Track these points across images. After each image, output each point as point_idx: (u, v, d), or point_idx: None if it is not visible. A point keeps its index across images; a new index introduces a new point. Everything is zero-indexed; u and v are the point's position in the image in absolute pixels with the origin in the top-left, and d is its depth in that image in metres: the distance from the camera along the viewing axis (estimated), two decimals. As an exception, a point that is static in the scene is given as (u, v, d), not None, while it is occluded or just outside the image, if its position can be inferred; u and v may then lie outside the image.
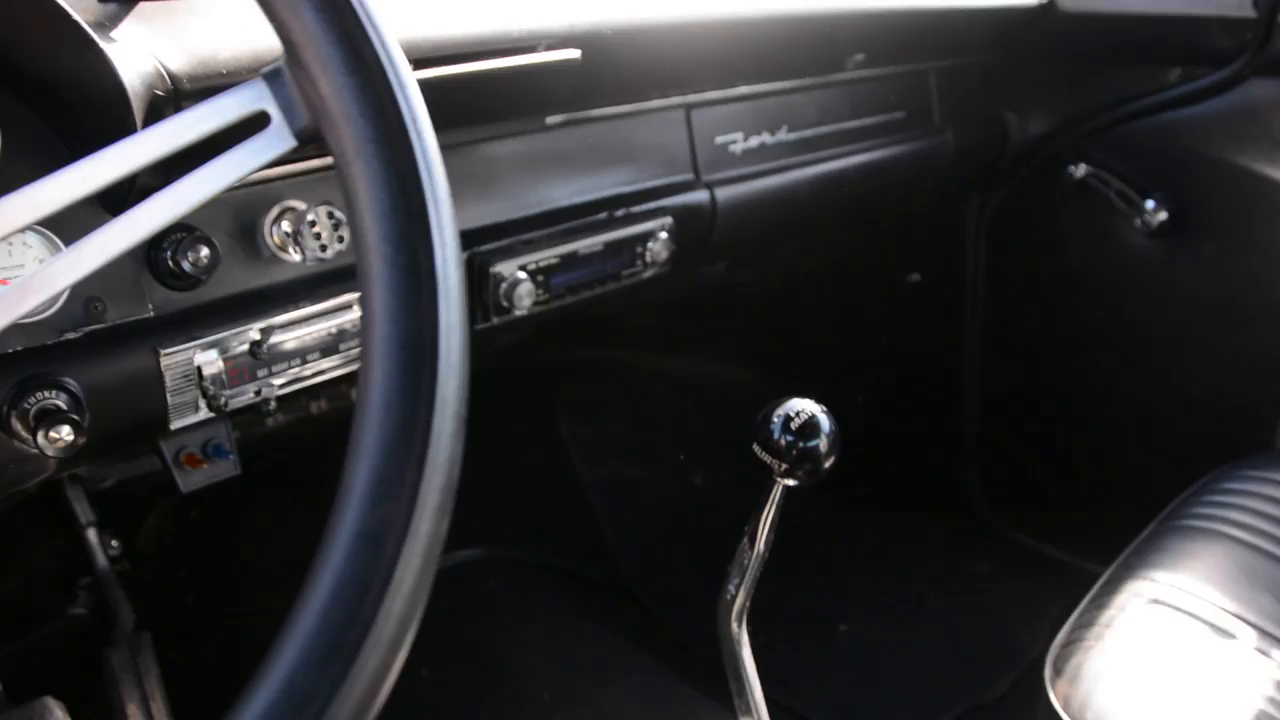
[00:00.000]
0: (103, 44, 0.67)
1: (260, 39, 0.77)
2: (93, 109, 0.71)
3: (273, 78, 0.45)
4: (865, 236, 1.90)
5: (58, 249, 0.74)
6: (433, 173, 0.43)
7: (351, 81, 0.42)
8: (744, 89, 1.28)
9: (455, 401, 0.41)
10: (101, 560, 1.37)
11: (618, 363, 1.88)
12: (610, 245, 1.11)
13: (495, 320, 1.03)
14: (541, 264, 1.04)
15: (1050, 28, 1.60)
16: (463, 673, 1.41)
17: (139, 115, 0.70)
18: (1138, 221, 1.64)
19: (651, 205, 1.16)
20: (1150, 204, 1.61)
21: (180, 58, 0.71)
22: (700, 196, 1.22)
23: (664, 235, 1.16)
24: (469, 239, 0.99)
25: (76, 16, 0.64)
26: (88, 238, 0.46)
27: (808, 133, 1.37)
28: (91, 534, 1.36)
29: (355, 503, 0.39)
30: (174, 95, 0.72)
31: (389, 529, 0.38)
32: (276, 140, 0.45)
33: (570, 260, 1.08)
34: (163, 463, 1.07)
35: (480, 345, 1.34)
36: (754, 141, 1.29)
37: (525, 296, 1.01)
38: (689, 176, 1.22)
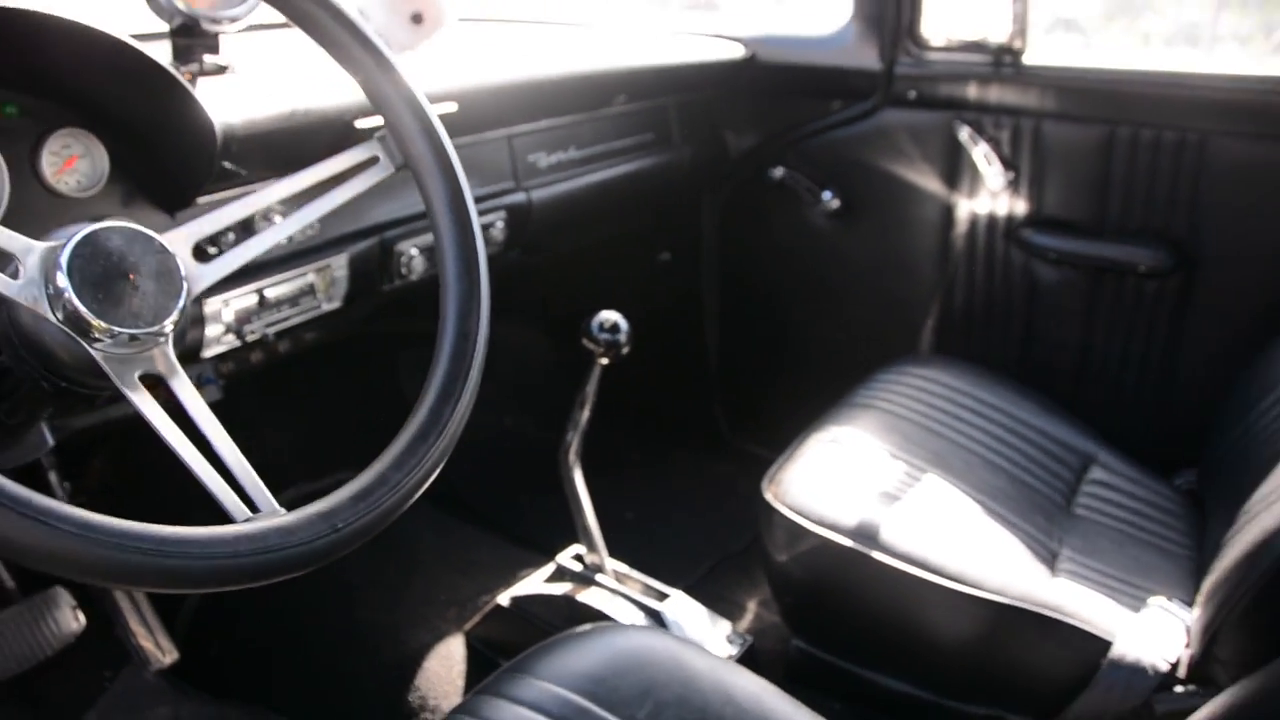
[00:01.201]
0: (201, 103, 1.07)
1: (267, 109, 1.16)
2: (185, 145, 1.07)
3: (382, 139, 0.91)
4: (630, 227, 2.28)
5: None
6: (463, 181, 0.91)
7: (426, 142, 0.89)
8: (545, 122, 1.69)
9: (486, 281, 0.89)
10: (60, 495, 1.68)
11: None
12: (467, 231, 1.58)
13: (397, 283, 1.46)
14: (425, 245, 1.49)
15: (753, 73, 2.07)
16: (363, 548, 1.81)
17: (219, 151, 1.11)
18: (819, 208, 2.11)
19: (491, 204, 1.59)
20: (827, 195, 2.08)
21: (235, 115, 1.12)
22: (520, 197, 1.63)
23: (500, 224, 1.61)
24: (382, 228, 1.42)
25: (186, 83, 1.03)
26: (277, 225, 0.90)
27: (588, 150, 1.79)
28: (52, 475, 1.66)
29: (452, 321, 0.86)
30: (231, 141, 1.13)
31: (471, 331, 0.86)
32: (382, 170, 0.90)
33: None
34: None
35: (343, 322, 1.73)
36: (554, 158, 1.71)
37: (419, 265, 1.46)
38: (512, 184, 1.63)
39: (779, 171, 2.15)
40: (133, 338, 0.76)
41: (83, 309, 0.74)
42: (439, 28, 1.20)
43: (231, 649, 1.68)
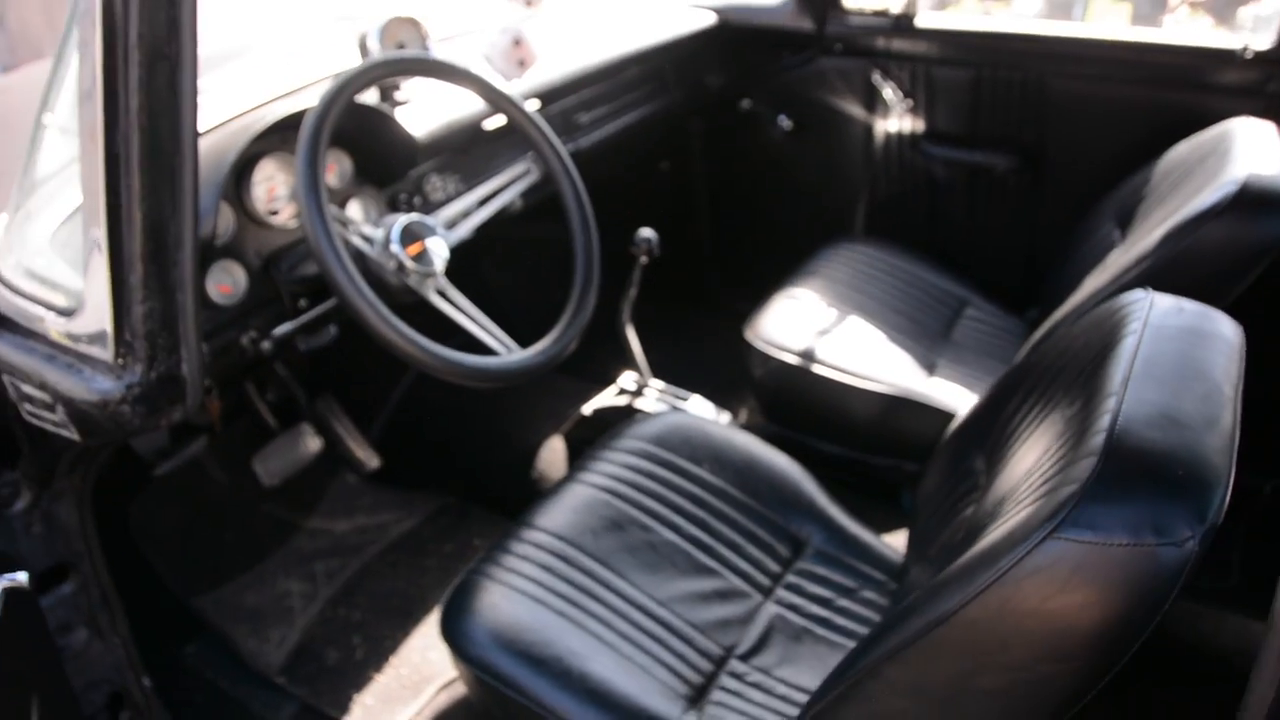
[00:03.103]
0: (406, 128, 1.78)
1: (435, 123, 1.88)
2: (395, 149, 1.72)
3: (534, 159, 1.65)
4: (642, 148, 2.88)
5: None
6: (578, 179, 1.65)
7: (559, 163, 1.63)
8: (585, 92, 2.32)
9: (595, 232, 1.64)
10: (283, 371, 2.35)
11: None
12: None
13: (505, 215, 2.19)
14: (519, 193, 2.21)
15: (724, 34, 2.70)
16: None
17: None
18: (777, 129, 2.79)
19: (555, 153, 2.32)
20: (782, 119, 2.75)
21: (420, 129, 1.83)
22: (573, 146, 2.34)
23: None
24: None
25: (390, 113, 1.74)
26: (482, 210, 1.65)
27: (613, 105, 2.41)
28: (279, 367, 2.23)
29: (581, 258, 1.61)
30: (419, 148, 1.84)
31: (591, 261, 1.61)
32: (533, 178, 1.65)
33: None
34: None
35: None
36: (590, 115, 2.32)
37: (518, 204, 2.18)
38: (567, 139, 2.32)
39: (746, 103, 2.81)
40: (428, 274, 1.52)
41: (406, 261, 1.50)
42: (532, 66, 1.92)
43: (407, 455, 2.45)
